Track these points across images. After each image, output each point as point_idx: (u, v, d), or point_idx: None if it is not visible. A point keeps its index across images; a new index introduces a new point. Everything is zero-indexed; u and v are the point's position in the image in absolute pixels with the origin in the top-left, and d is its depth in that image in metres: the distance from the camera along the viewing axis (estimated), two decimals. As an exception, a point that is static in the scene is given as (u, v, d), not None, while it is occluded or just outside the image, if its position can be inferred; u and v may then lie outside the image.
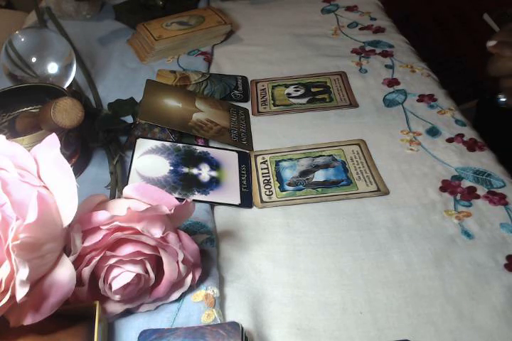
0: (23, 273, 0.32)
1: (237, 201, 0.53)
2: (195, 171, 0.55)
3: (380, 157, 0.57)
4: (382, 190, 0.53)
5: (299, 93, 0.69)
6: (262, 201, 0.53)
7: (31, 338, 0.38)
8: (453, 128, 0.60)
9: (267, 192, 0.54)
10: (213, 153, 0.57)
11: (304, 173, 0.56)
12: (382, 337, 0.41)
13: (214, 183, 0.54)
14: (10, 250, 0.32)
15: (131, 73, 0.75)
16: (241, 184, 0.55)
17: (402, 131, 0.61)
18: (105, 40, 0.85)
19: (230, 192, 0.53)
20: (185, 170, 0.55)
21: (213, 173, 0.55)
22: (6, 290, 0.33)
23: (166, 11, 0.84)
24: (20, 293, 0.32)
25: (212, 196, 0.53)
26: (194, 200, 0.51)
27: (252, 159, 0.59)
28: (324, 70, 0.73)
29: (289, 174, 0.56)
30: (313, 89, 0.69)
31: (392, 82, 0.69)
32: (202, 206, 0.51)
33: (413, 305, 0.43)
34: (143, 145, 0.56)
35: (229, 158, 0.57)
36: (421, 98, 0.66)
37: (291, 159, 0.58)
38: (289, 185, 0.54)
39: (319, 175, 0.55)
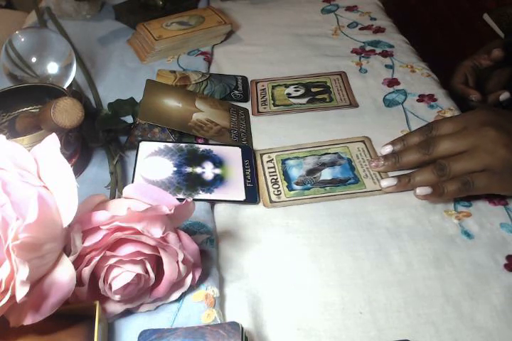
0: (23, 273, 0.32)
1: (242, 197, 0.53)
2: (198, 170, 0.55)
3: (380, 157, 0.57)
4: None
5: (299, 93, 0.69)
6: (271, 201, 0.53)
7: (31, 338, 0.38)
8: (453, 128, 0.60)
9: (276, 192, 0.54)
10: (216, 150, 0.57)
11: (311, 172, 0.55)
12: (382, 337, 0.41)
13: (218, 181, 0.54)
14: (10, 250, 0.32)
15: (131, 73, 0.75)
16: (245, 179, 0.54)
17: (402, 131, 0.61)
18: (105, 40, 0.84)
19: (235, 188, 0.53)
20: (189, 169, 0.55)
21: (217, 171, 0.55)
22: (6, 290, 0.33)
23: (166, 11, 0.84)
24: (20, 293, 0.32)
25: (216, 194, 0.53)
26: (199, 199, 0.52)
27: (258, 157, 0.59)
28: (324, 70, 0.73)
29: (296, 173, 0.56)
30: (313, 89, 0.69)
31: (392, 82, 0.69)
32: (202, 206, 0.51)
33: (413, 305, 0.43)
34: (145, 147, 0.56)
35: (232, 154, 0.57)
36: (421, 98, 0.66)
37: (297, 157, 0.58)
38: (297, 184, 0.54)
39: (326, 174, 0.55)
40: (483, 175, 0.49)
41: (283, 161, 0.57)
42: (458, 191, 0.49)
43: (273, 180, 0.55)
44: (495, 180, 0.48)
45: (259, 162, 0.58)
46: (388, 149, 0.55)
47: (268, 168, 0.57)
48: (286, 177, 0.55)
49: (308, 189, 0.54)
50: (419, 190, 0.50)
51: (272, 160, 0.58)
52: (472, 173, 0.49)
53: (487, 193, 0.50)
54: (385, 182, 0.52)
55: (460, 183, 0.49)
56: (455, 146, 0.50)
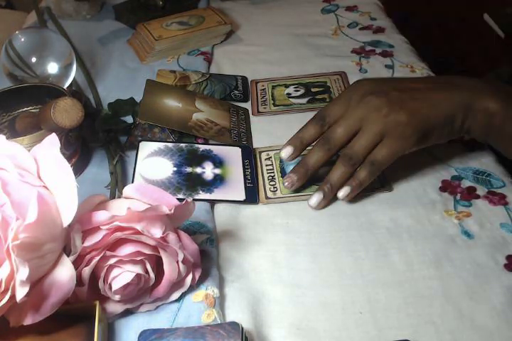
0: (23, 273, 0.32)
1: (242, 197, 0.53)
2: (198, 170, 0.55)
3: (380, 157, 0.57)
4: (386, 187, 0.53)
5: (299, 93, 0.69)
6: (266, 197, 0.53)
7: (31, 338, 0.38)
8: (453, 128, 0.60)
9: (272, 189, 0.54)
10: (216, 150, 0.57)
11: None
12: (382, 337, 0.41)
13: (218, 181, 0.54)
14: (10, 250, 0.32)
15: (131, 73, 0.75)
16: (245, 179, 0.55)
17: (402, 131, 0.61)
18: (105, 40, 0.84)
19: (235, 188, 0.53)
20: (189, 169, 0.55)
21: (217, 171, 0.55)
22: (6, 290, 0.33)
23: (166, 11, 0.84)
24: (20, 293, 0.32)
25: (216, 194, 0.53)
26: (199, 199, 0.51)
27: (257, 155, 0.59)
28: (324, 70, 0.73)
29: None
30: (313, 89, 0.69)
31: (392, 82, 0.69)
32: (202, 206, 0.51)
33: (413, 305, 0.43)
34: (145, 147, 0.56)
35: (232, 154, 0.57)
36: (421, 98, 0.66)
37: None
38: None
39: (324, 172, 0.55)
40: (380, 146, 0.48)
41: (281, 159, 0.57)
42: (370, 174, 0.49)
43: (270, 177, 0.55)
44: (393, 144, 0.48)
45: (257, 159, 0.58)
46: (289, 150, 0.51)
47: (266, 165, 0.57)
48: (284, 174, 0.55)
49: (305, 186, 0.54)
50: (342, 193, 0.50)
51: (270, 157, 0.58)
52: (373, 149, 0.48)
53: (396, 158, 0.49)
54: (313, 200, 0.50)
55: (368, 165, 0.48)
56: (348, 128, 0.49)
